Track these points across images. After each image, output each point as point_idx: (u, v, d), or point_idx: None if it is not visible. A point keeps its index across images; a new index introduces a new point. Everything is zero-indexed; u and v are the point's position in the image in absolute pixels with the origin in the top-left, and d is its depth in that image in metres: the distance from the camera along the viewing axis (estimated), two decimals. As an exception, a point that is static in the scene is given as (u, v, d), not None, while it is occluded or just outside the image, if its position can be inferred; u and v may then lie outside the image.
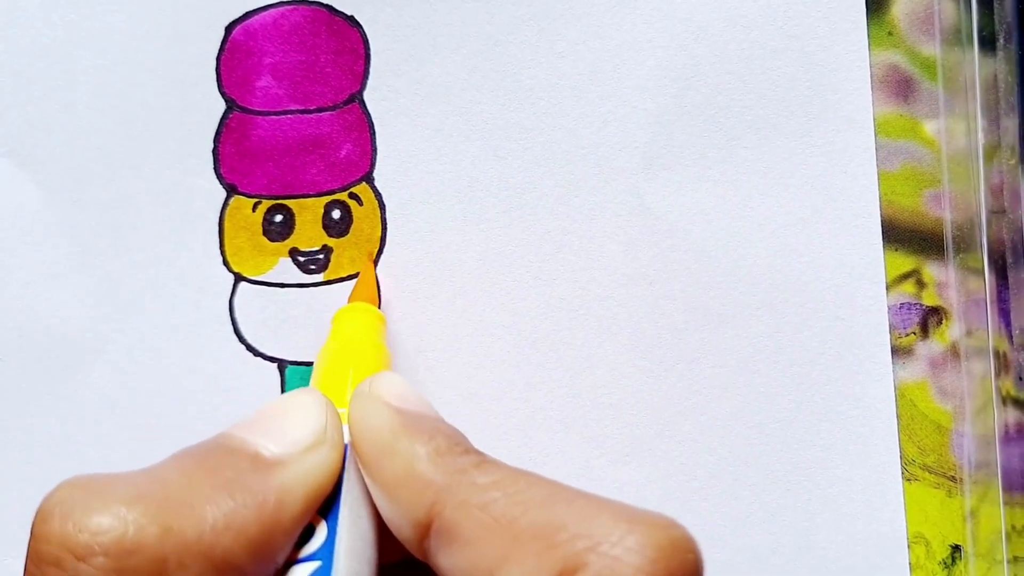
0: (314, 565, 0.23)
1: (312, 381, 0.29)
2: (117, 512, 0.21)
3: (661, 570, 0.20)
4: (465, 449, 0.23)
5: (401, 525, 0.23)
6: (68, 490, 0.21)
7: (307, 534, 0.23)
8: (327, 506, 0.24)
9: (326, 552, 0.23)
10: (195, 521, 0.21)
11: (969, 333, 0.33)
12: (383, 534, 0.24)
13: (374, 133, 0.33)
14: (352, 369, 0.28)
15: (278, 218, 0.33)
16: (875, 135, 0.33)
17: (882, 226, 0.33)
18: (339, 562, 0.23)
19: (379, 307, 0.32)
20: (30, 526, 0.21)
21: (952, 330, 0.33)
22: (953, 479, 0.33)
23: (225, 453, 0.23)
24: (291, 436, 0.24)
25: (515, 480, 0.22)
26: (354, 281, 0.33)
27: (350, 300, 0.32)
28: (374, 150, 0.33)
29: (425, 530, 0.22)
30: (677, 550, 0.21)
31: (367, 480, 0.24)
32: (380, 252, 0.33)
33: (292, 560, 0.23)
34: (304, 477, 0.23)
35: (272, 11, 0.33)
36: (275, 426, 0.24)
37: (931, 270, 0.33)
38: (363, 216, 0.33)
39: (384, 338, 0.31)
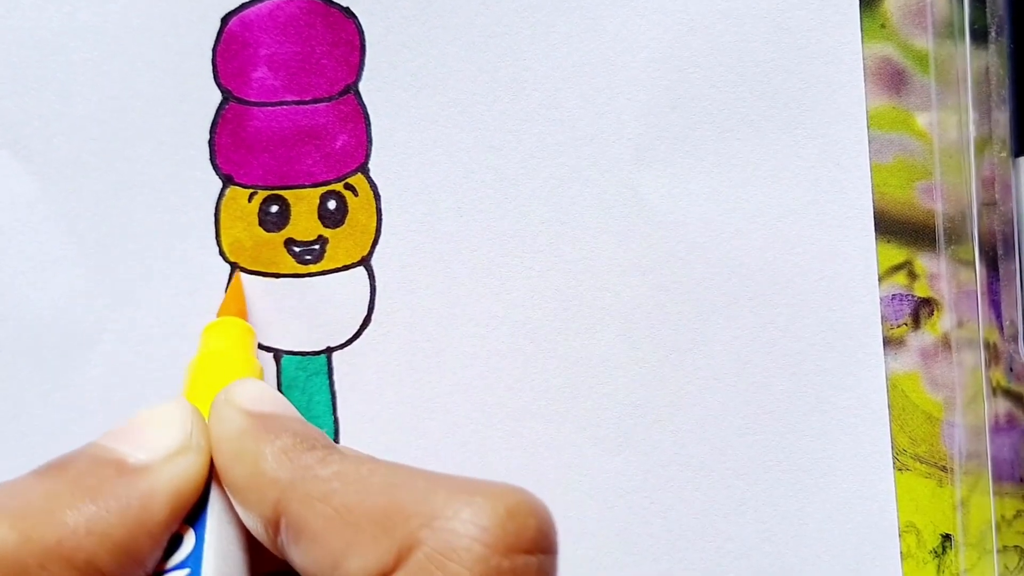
0: (183, 573, 0.23)
1: (181, 394, 0.29)
2: None
3: (498, 538, 0.20)
4: (311, 445, 0.23)
5: (255, 525, 0.23)
6: None
7: (176, 543, 0.23)
8: (195, 515, 0.24)
9: (194, 560, 0.23)
10: (55, 527, 0.21)
11: (960, 324, 0.33)
12: (253, 542, 0.24)
13: (369, 124, 0.33)
14: (220, 381, 0.28)
15: (274, 209, 0.33)
16: (868, 127, 0.33)
17: (874, 218, 0.33)
18: (207, 570, 0.23)
19: (246, 319, 0.32)
20: None
21: (943, 321, 0.33)
22: (944, 469, 0.33)
23: (89, 461, 0.23)
24: (156, 443, 0.24)
25: (356, 468, 0.22)
26: (349, 277, 0.33)
27: (219, 314, 0.32)
28: (369, 141, 0.33)
29: (276, 528, 0.23)
30: (515, 516, 0.21)
31: (224, 485, 0.24)
32: (375, 242, 0.33)
33: (161, 570, 0.23)
34: (169, 483, 0.23)
35: (268, 2, 0.33)
36: (141, 434, 0.24)
37: (923, 262, 0.33)
38: (358, 207, 0.33)
39: (253, 350, 0.31)
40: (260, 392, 0.26)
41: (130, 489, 0.23)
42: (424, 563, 0.20)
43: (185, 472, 0.24)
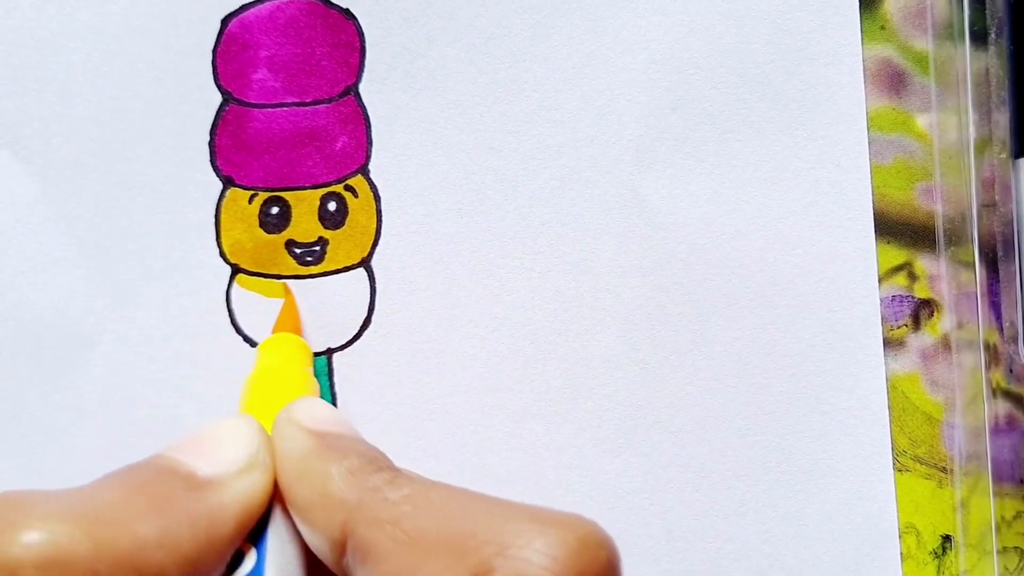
0: None
1: (238, 410, 0.29)
2: (49, 526, 0.21)
3: (569, 569, 0.20)
4: (379, 467, 0.23)
5: (320, 546, 0.23)
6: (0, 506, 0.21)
7: (237, 560, 0.23)
8: (256, 533, 0.24)
9: None
10: (128, 537, 0.21)
11: (960, 325, 0.33)
12: (312, 560, 0.24)
13: (369, 126, 0.33)
14: (278, 398, 0.28)
15: (274, 210, 0.33)
16: (868, 129, 0.33)
17: (874, 219, 0.33)
18: None
19: (301, 335, 0.32)
20: None
21: (943, 322, 0.33)
22: (944, 470, 0.33)
23: (158, 472, 0.23)
24: (224, 458, 0.24)
25: (426, 493, 0.22)
26: (349, 279, 0.33)
27: (274, 330, 0.32)
28: (369, 142, 0.33)
29: (342, 549, 0.23)
30: (586, 548, 0.21)
31: (287, 503, 0.24)
32: (375, 244, 0.33)
33: None
34: (236, 499, 0.23)
35: (268, 4, 0.33)
36: (209, 448, 0.24)
37: (923, 263, 0.33)
38: (359, 208, 0.33)
39: (309, 366, 0.31)
40: (323, 411, 0.25)
41: (200, 504, 0.23)
42: None
43: (252, 489, 0.24)
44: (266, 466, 0.24)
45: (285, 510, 0.24)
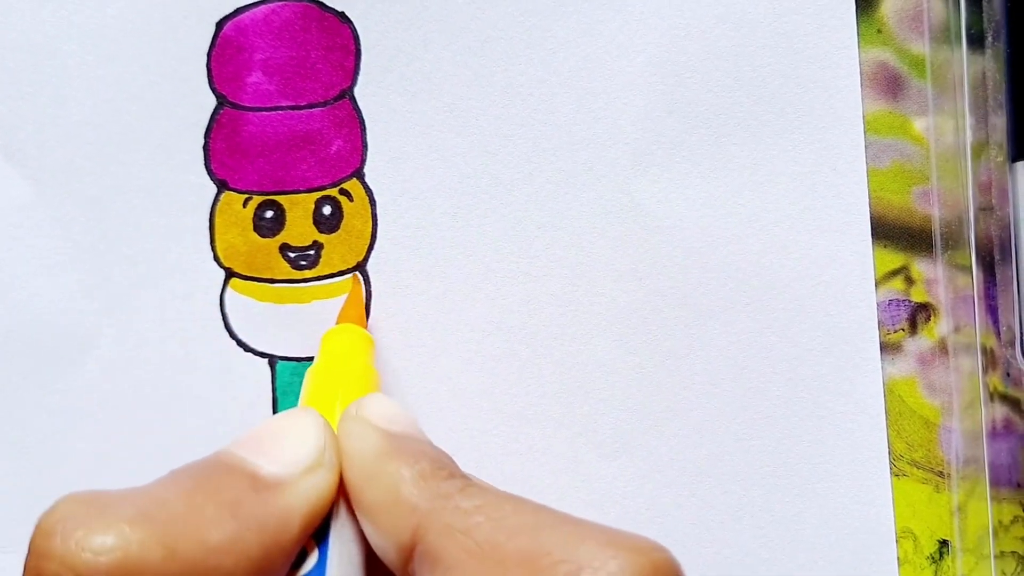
0: None
1: (301, 402, 0.28)
2: (120, 531, 0.20)
3: None
4: (450, 473, 0.23)
5: (386, 549, 0.23)
6: (70, 506, 0.21)
7: (299, 559, 0.23)
8: (319, 531, 0.24)
9: None
10: (198, 543, 0.21)
11: (957, 329, 0.33)
12: (372, 559, 0.24)
13: (364, 129, 0.33)
14: (341, 391, 0.27)
15: (269, 214, 0.33)
16: (864, 132, 0.33)
17: (871, 223, 0.33)
18: None
19: (365, 326, 0.32)
20: (29, 540, 0.21)
21: (940, 326, 0.33)
22: (941, 474, 0.33)
23: (225, 473, 0.23)
24: (290, 457, 0.24)
25: (500, 505, 0.22)
26: (343, 283, 0.33)
27: (338, 321, 0.31)
28: (364, 146, 0.33)
29: (409, 554, 0.22)
30: (659, 572, 0.21)
31: (354, 503, 0.24)
32: (370, 248, 0.33)
33: None
34: (304, 499, 0.23)
35: (263, 7, 0.33)
36: (274, 446, 0.24)
37: (920, 267, 0.33)
38: (353, 212, 0.33)
39: (373, 359, 0.31)
40: (393, 411, 0.25)
41: (268, 506, 0.22)
42: None
43: (319, 488, 0.24)
44: (332, 464, 0.24)
45: (349, 509, 0.24)
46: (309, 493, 0.23)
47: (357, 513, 0.24)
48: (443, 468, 0.23)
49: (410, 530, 0.22)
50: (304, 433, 0.24)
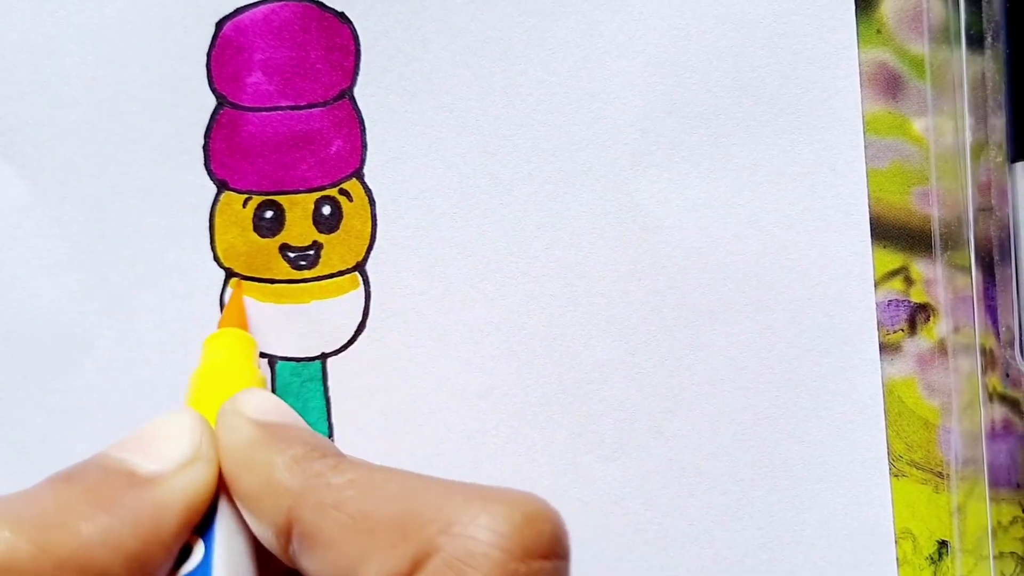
0: None
1: (185, 405, 0.29)
2: None
3: (515, 544, 0.20)
4: (323, 454, 0.24)
5: (266, 535, 0.23)
6: None
7: (184, 554, 0.24)
8: (203, 525, 0.24)
9: (203, 570, 0.23)
10: (69, 538, 0.21)
11: (956, 330, 0.33)
12: (260, 551, 0.24)
13: (364, 129, 0.33)
14: (223, 391, 0.28)
15: (268, 214, 0.33)
16: (864, 132, 0.33)
17: (870, 223, 0.33)
18: None
19: (247, 330, 0.32)
20: None
21: (940, 327, 0.33)
22: (940, 475, 0.33)
23: (100, 472, 0.23)
24: (166, 454, 0.24)
25: (370, 476, 0.23)
26: (343, 282, 0.33)
27: (220, 325, 0.32)
28: (364, 146, 0.33)
29: (288, 537, 0.23)
30: (531, 522, 0.21)
31: (232, 494, 0.24)
32: (370, 248, 0.33)
33: None
34: (180, 493, 0.23)
35: (263, 7, 0.33)
36: (150, 444, 0.24)
37: (919, 267, 0.33)
38: (353, 212, 0.33)
39: (255, 360, 0.31)
40: (267, 402, 0.26)
41: (142, 500, 0.23)
42: (443, 569, 0.20)
43: (195, 482, 0.24)
44: (210, 459, 0.24)
45: (232, 502, 0.24)
46: (186, 487, 0.24)
47: (236, 503, 0.24)
48: (315, 450, 0.24)
49: (285, 512, 0.23)
50: (180, 430, 0.25)
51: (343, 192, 0.33)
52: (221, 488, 0.25)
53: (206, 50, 0.33)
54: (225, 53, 0.33)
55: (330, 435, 0.33)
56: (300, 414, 0.32)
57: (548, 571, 0.21)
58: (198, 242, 0.33)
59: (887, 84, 0.33)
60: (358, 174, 0.33)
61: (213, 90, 0.33)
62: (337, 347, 0.33)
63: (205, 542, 0.24)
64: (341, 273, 0.33)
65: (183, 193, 0.33)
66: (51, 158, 0.33)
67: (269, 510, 0.23)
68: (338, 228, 0.33)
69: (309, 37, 0.33)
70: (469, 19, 0.33)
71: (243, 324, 0.32)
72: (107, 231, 0.33)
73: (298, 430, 0.25)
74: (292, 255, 0.33)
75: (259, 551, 0.24)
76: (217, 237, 0.33)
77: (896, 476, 0.33)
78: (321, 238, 0.33)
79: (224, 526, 0.24)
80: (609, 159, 0.33)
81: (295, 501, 0.23)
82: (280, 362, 0.33)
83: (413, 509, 0.21)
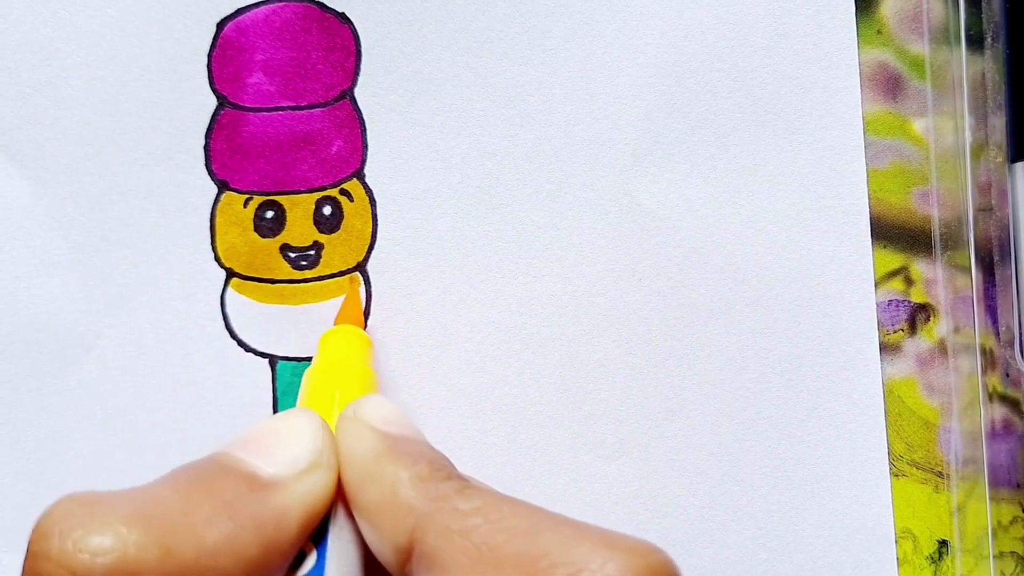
0: None
1: (299, 403, 0.28)
2: (118, 532, 0.20)
3: None
4: (448, 474, 0.23)
5: (383, 550, 0.23)
6: (67, 506, 0.21)
7: (297, 560, 0.23)
8: (318, 533, 0.24)
9: None
10: (195, 543, 0.21)
11: (957, 330, 0.33)
12: (370, 562, 0.24)
13: (365, 130, 0.33)
14: (339, 392, 0.27)
15: (269, 214, 0.33)
16: (864, 133, 0.33)
17: (871, 223, 0.33)
18: None
19: (363, 327, 0.32)
20: (27, 542, 0.21)
21: (940, 327, 0.33)
22: (940, 475, 0.33)
23: (222, 473, 0.23)
24: (288, 457, 0.24)
25: (498, 507, 0.22)
26: (343, 283, 0.33)
27: (336, 322, 0.31)
28: (365, 146, 0.33)
29: (407, 556, 0.22)
30: (656, 574, 0.21)
31: (351, 504, 0.24)
32: (371, 248, 0.33)
33: None
34: (301, 500, 0.23)
35: (263, 8, 0.33)
36: (271, 446, 0.24)
37: (919, 267, 0.33)
38: (354, 212, 0.33)
39: (371, 361, 0.31)
40: (390, 411, 0.25)
41: (264, 507, 0.22)
42: None
43: (316, 489, 0.24)
44: (330, 465, 0.24)
45: (348, 511, 0.24)
46: (306, 494, 0.23)
47: (355, 514, 0.24)
48: (441, 470, 0.23)
49: (408, 532, 0.22)
50: (302, 434, 0.24)
51: (344, 192, 0.33)
52: (338, 496, 0.24)
53: (207, 51, 0.33)
54: (226, 53, 0.33)
55: (331, 435, 0.33)
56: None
57: None
58: (199, 242, 0.33)
59: (887, 84, 0.33)
60: (359, 174, 0.33)
61: (214, 90, 0.33)
62: (338, 347, 0.33)
63: (319, 550, 0.23)
64: (342, 273, 0.33)
65: (184, 193, 0.33)
66: (52, 158, 0.33)
67: (391, 526, 0.23)
68: (339, 228, 0.33)
69: (310, 38, 0.33)
70: (470, 20, 0.33)
71: (359, 321, 0.31)
72: (108, 231, 0.33)
73: (422, 445, 0.24)
74: (293, 255, 0.33)
75: (369, 563, 0.24)
76: (218, 237, 0.33)
77: (896, 476, 0.33)
78: (322, 238, 0.33)
79: (338, 536, 0.24)
80: (609, 159, 0.33)
81: (419, 522, 0.22)
82: (281, 362, 0.33)
83: (542, 548, 0.21)
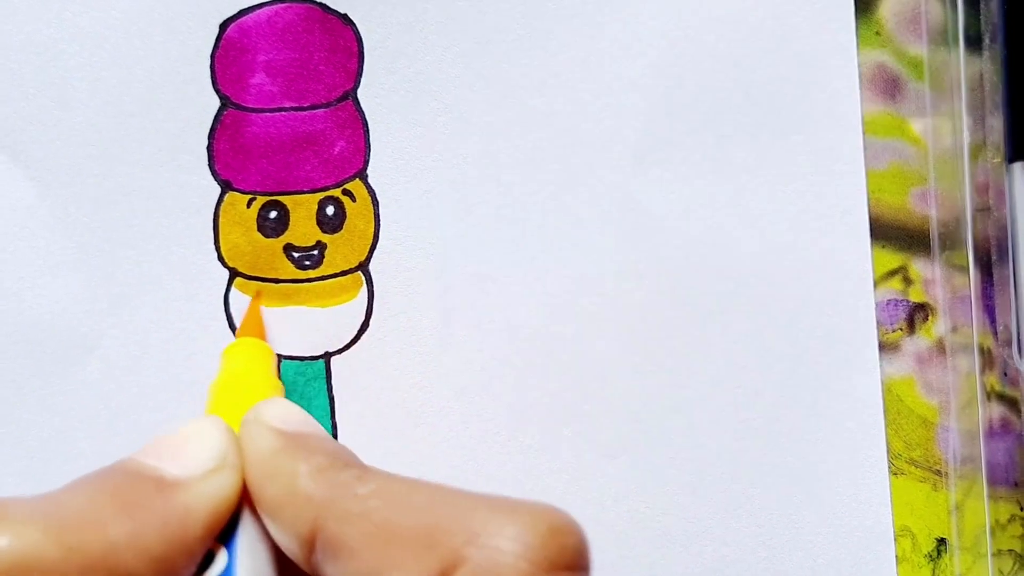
0: None
1: (204, 414, 0.29)
2: (15, 531, 0.21)
3: (541, 556, 0.21)
4: (346, 463, 0.24)
5: (289, 544, 0.23)
6: None
7: (208, 561, 0.24)
8: (226, 533, 0.24)
9: None
10: (97, 540, 0.21)
11: (955, 329, 0.33)
12: (283, 561, 0.24)
13: (367, 130, 0.33)
14: (244, 400, 0.28)
15: (272, 214, 0.33)
16: (863, 133, 0.33)
17: (869, 223, 0.33)
18: None
19: (265, 339, 0.32)
20: None
21: (938, 326, 0.33)
22: (939, 473, 0.33)
23: (127, 476, 0.23)
24: (193, 459, 0.24)
25: (395, 486, 0.23)
26: (346, 282, 0.33)
27: (237, 335, 0.32)
28: (367, 147, 0.33)
29: (311, 546, 0.23)
30: (557, 534, 0.21)
31: (255, 502, 0.24)
32: (373, 248, 0.33)
33: None
34: (206, 499, 0.23)
35: (266, 9, 0.33)
36: (176, 450, 0.24)
37: (918, 267, 0.33)
38: (356, 212, 0.33)
39: (273, 369, 0.32)
40: (289, 411, 0.26)
41: (169, 505, 0.23)
42: None
43: (221, 489, 0.24)
44: (235, 466, 0.24)
45: (255, 510, 0.24)
46: (212, 493, 0.24)
47: (259, 512, 0.24)
48: (339, 459, 0.24)
49: (309, 521, 0.23)
50: (205, 437, 0.25)
51: (347, 192, 0.33)
52: (245, 497, 0.24)
53: (210, 51, 0.33)
54: (229, 54, 0.33)
55: (334, 434, 0.33)
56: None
57: None
58: (202, 242, 0.33)
59: (886, 85, 0.33)
60: (361, 174, 0.33)
61: (217, 91, 0.33)
62: (341, 346, 0.33)
63: (228, 550, 0.24)
64: (345, 273, 0.33)
65: (187, 194, 0.33)
66: (56, 159, 0.33)
67: (293, 519, 0.23)
68: (342, 228, 0.33)
69: (312, 39, 0.33)
70: (471, 21, 0.33)
71: (261, 334, 0.32)
72: (112, 231, 0.33)
73: (321, 439, 0.25)
74: (296, 255, 0.33)
75: (281, 560, 0.24)
76: (221, 237, 0.33)
77: (895, 474, 0.33)
78: (325, 238, 0.33)
79: (247, 534, 0.24)
80: (610, 160, 0.33)
81: (320, 511, 0.23)
82: (284, 361, 0.33)
83: (439, 520, 0.21)
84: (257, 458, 0.24)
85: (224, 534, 0.24)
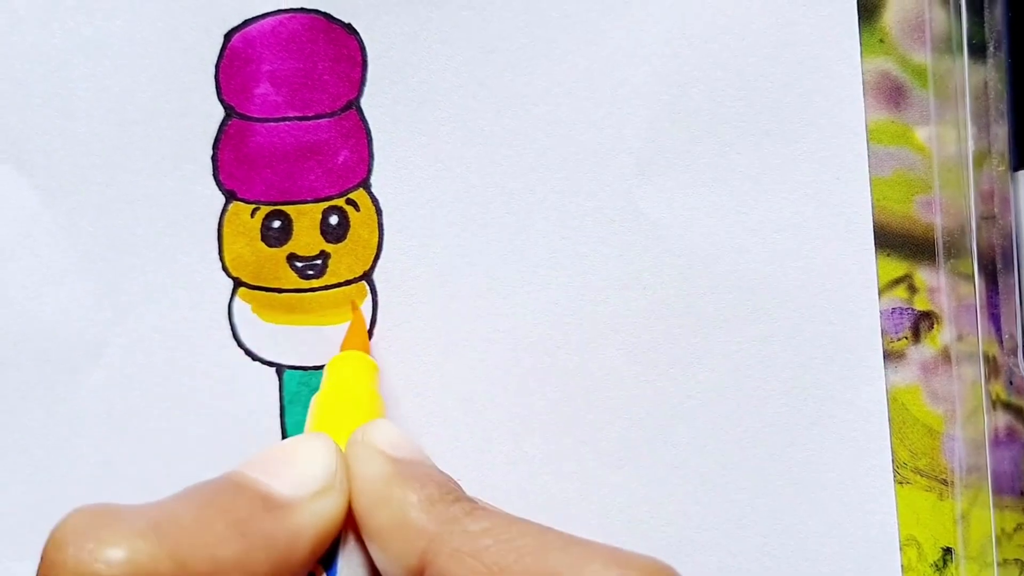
0: None
1: (307, 428, 0.29)
2: (132, 544, 0.21)
3: None
4: (456, 497, 0.24)
5: (393, 573, 0.23)
6: (82, 518, 0.21)
7: None
8: (328, 556, 0.24)
9: None
10: (207, 558, 0.21)
11: (960, 338, 0.33)
12: None
13: (371, 140, 0.33)
14: (347, 417, 0.28)
15: (276, 224, 0.33)
16: (867, 141, 0.33)
17: (874, 232, 0.33)
18: None
19: (369, 353, 0.32)
20: (41, 551, 0.21)
21: (943, 335, 0.33)
22: (944, 482, 0.33)
23: (237, 492, 0.23)
24: (302, 479, 0.24)
25: (507, 527, 0.22)
26: (350, 292, 0.33)
27: (342, 348, 0.32)
28: (371, 156, 0.33)
29: None
30: None
31: (361, 528, 0.24)
32: (377, 257, 0.33)
33: None
34: (314, 521, 0.23)
35: (270, 19, 0.33)
36: (286, 467, 0.24)
37: (922, 275, 0.33)
38: (360, 222, 0.33)
39: (377, 386, 0.31)
40: (399, 437, 0.25)
41: (277, 526, 0.23)
42: None
43: (328, 511, 0.24)
44: (343, 489, 0.24)
45: (358, 536, 0.24)
46: (319, 515, 0.24)
47: (365, 538, 0.24)
48: (449, 492, 0.24)
49: (418, 554, 0.23)
50: (316, 456, 0.25)
51: (350, 202, 0.33)
52: (348, 519, 0.24)
53: (214, 61, 0.33)
54: (233, 64, 0.33)
55: (337, 443, 0.33)
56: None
57: None
58: (206, 252, 0.33)
59: (890, 93, 0.33)
60: (365, 184, 0.33)
61: (221, 101, 0.33)
62: (344, 356, 0.33)
63: (328, 573, 0.24)
64: (348, 282, 0.33)
65: (191, 203, 0.33)
66: (61, 168, 0.33)
67: (401, 549, 0.23)
68: (345, 238, 0.33)
69: (316, 48, 0.33)
70: (475, 30, 0.33)
71: (365, 347, 0.32)
72: (116, 240, 0.33)
73: (430, 468, 0.25)
74: (300, 264, 0.33)
75: None
76: (225, 247, 0.33)
77: (900, 483, 0.33)
78: (328, 248, 0.33)
79: (348, 559, 0.24)
80: (614, 168, 0.33)
81: (430, 544, 0.22)
82: (288, 371, 0.33)
83: (551, 566, 0.21)
84: (367, 484, 0.24)
85: (325, 557, 0.24)
